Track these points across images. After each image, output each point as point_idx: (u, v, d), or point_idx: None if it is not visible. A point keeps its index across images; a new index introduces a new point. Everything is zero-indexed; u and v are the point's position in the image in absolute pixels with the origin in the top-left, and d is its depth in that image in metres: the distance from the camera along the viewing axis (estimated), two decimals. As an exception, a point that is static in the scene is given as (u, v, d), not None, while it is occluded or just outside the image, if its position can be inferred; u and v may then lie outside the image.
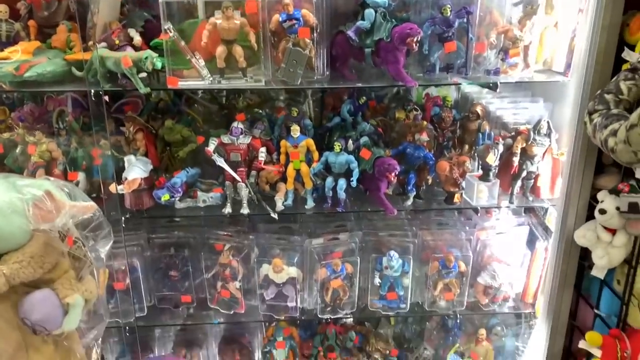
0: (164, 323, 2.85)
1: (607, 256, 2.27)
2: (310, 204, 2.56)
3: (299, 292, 2.67)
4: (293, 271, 2.62)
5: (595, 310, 2.49)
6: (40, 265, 1.77)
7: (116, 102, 2.66)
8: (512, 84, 2.52)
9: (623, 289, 2.31)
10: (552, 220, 2.63)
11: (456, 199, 2.58)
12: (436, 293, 2.71)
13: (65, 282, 1.86)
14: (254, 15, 2.21)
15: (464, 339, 2.92)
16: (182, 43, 2.20)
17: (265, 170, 2.53)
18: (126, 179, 2.41)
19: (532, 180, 2.59)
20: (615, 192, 2.17)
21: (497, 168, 2.56)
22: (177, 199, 2.50)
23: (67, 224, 1.87)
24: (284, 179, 2.55)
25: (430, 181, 2.62)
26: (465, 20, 2.30)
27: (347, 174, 2.49)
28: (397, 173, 2.42)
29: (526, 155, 2.52)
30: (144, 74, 2.24)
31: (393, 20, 2.26)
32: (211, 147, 2.44)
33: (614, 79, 2.09)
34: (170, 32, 2.18)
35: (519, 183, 2.59)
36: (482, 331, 2.82)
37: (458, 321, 2.94)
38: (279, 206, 2.50)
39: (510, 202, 2.61)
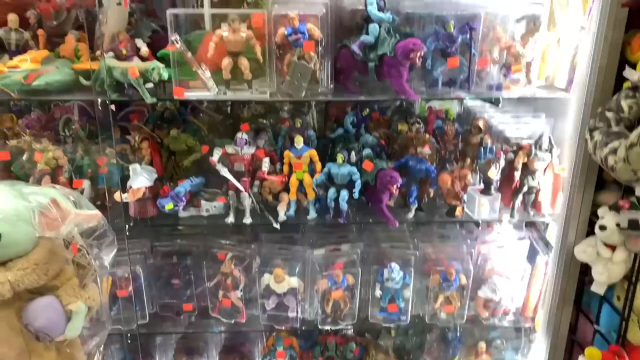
0: (165, 331, 2.86)
1: (607, 272, 2.27)
2: (312, 214, 2.57)
3: (299, 303, 2.67)
4: (294, 281, 2.63)
5: (595, 326, 2.49)
6: (45, 273, 1.79)
7: (122, 110, 2.69)
8: (514, 99, 2.53)
9: (623, 305, 2.31)
10: (553, 235, 2.64)
11: (458, 212, 2.60)
12: (437, 305, 2.72)
13: (69, 290, 1.88)
14: (260, 28, 2.24)
15: (463, 352, 2.92)
16: (189, 54, 2.22)
17: (269, 181, 2.54)
18: (131, 187, 2.43)
19: (534, 195, 2.60)
20: (615, 208, 2.18)
21: (498, 182, 2.58)
22: (181, 207, 2.52)
23: (72, 231, 1.89)
24: (286, 189, 2.56)
25: (432, 194, 2.64)
26: (468, 36, 2.31)
27: (350, 185, 2.49)
28: (399, 185, 2.43)
29: (527, 170, 2.54)
30: (150, 84, 2.27)
31: (397, 35, 2.28)
32: (215, 156, 2.47)
33: (615, 96, 2.10)
34: (178, 43, 2.20)
35: (520, 197, 2.60)
36: (482, 344, 2.83)
37: (458, 334, 2.94)
38: (282, 216, 2.52)
39: (512, 216, 2.62)
